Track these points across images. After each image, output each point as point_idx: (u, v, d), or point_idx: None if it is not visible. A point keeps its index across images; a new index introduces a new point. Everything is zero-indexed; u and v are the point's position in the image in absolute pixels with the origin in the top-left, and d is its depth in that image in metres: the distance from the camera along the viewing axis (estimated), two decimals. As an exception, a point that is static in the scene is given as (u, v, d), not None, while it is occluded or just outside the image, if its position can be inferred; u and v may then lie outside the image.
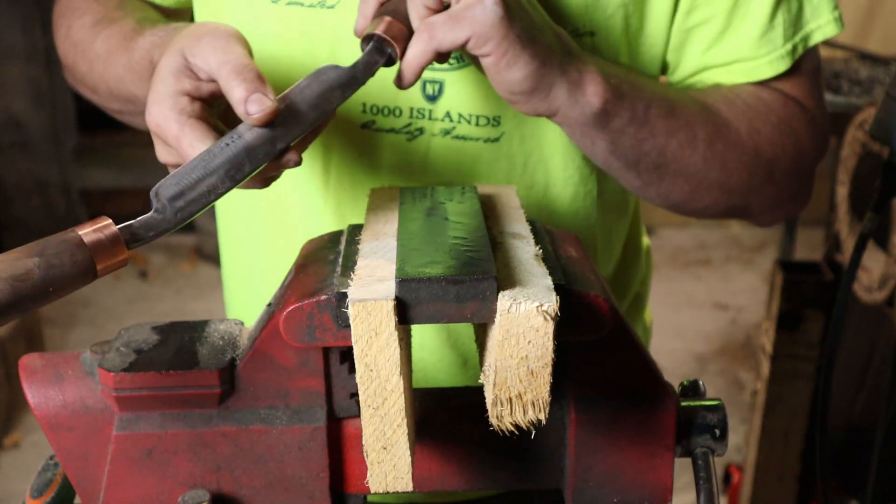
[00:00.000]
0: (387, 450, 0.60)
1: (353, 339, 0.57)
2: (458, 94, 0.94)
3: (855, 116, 1.93)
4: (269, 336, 0.65)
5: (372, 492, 0.62)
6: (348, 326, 0.57)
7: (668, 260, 4.28)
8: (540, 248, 0.66)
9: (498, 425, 0.60)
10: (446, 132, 0.95)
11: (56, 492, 0.72)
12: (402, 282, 0.58)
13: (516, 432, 0.60)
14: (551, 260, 0.67)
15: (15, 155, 4.13)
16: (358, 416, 0.64)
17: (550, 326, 0.57)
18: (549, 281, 0.60)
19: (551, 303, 0.57)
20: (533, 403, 0.59)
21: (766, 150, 0.98)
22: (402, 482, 0.61)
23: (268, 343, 0.66)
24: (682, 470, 0.73)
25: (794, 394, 2.08)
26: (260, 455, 0.67)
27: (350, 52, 0.88)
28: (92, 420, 0.68)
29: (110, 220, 0.65)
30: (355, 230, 0.72)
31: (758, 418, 2.14)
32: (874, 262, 1.80)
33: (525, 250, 0.65)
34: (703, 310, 3.81)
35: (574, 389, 0.68)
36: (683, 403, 0.71)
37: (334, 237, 0.73)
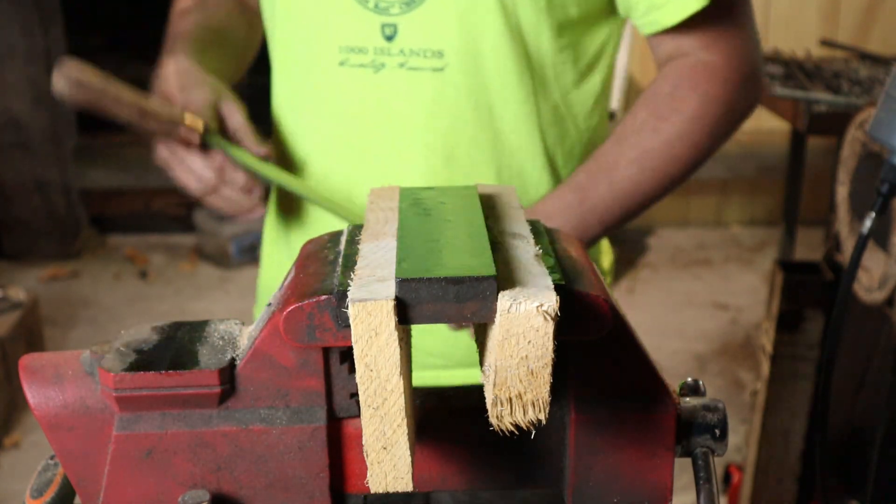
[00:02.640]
0: (387, 450, 0.60)
1: (353, 339, 0.57)
2: (410, 33, 1.16)
3: (855, 116, 1.93)
4: (269, 336, 0.65)
5: (372, 492, 0.62)
6: (348, 326, 0.57)
7: (668, 260, 4.28)
8: (540, 248, 0.66)
9: (498, 425, 0.60)
10: (402, 65, 1.18)
11: (56, 492, 0.72)
12: (402, 282, 0.58)
13: (516, 432, 0.60)
14: (551, 260, 0.67)
15: (15, 155, 4.13)
16: (358, 416, 0.64)
17: (550, 326, 0.57)
18: (549, 281, 0.60)
19: (551, 303, 0.57)
20: (533, 403, 0.59)
21: (700, 144, 1.19)
22: (402, 482, 0.61)
23: (268, 343, 0.66)
24: (682, 470, 0.73)
25: (794, 394, 2.08)
26: (260, 455, 0.67)
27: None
28: (92, 420, 0.68)
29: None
30: (355, 230, 0.72)
31: (758, 418, 2.14)
32: (874, 262, 1.80)
33: (525, 250, 0.65)
34: (703, 310, 3.81)
35: (574, 389, 0.68)
36: (683, 403, 0.71)
37: (334, 237, 0.74)
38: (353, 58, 1.19)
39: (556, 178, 1.26)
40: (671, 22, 1.16)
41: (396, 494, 0.63)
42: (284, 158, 1.30)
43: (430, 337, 1.19)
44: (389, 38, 1.17)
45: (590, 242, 1.20)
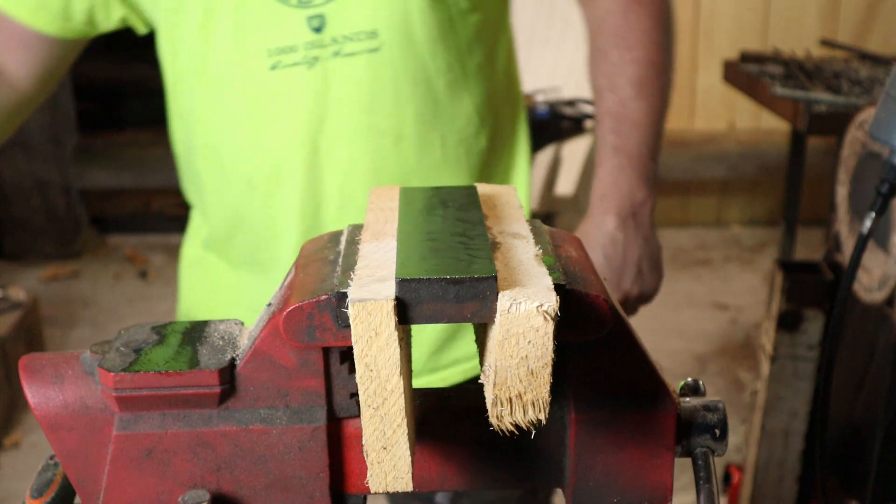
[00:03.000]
0: (387, 450, 0.60)
1: (353, 339, 0.57)
2: (339, 20, 1.15)
3: (855, 116, 1.93)
4: (269, 336, 0.65)
5: (372, 492, 0.62)
6: (348, 326, 0.57)
7: (668, 260, 4.27)
8: (540, 248, 0.66)
9: (498, 425, 0.60)
10: (336, 53, 1.16)
11: (56, 492, 0.72)
12: (402, 282, 0.58)
13: (516, 432, 0.60)
14: (551, 260, 0.67)
15: (15, 155, 4.13)
16: (358, 416, 0.64)
17: (550, 326, 0.57)
18: (549, 281, 0.60)
19: (551, 303, 0.57)
20: (533, 403, 0.59)
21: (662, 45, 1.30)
22: (402, 482, 0.61)
23: (268, 343, 0.66)
24: (682, 470, 0.73)
25: (794, 394, 2.08)
26: (260, 455, 0.67)
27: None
28: (92, 420, 0.68)
29: None
30: (355, 230, 0.72)
31: (758, 418, 2.14)
32: (874, 262, 1.80)
33: (525, 250, 0.65)
34: (703, 310, 3.81)
35: (574, 389, 0.68)
36: (683, 403, 0.71)
37: (334, 237, 0.74)
38: (284, 59, 1.17)
39: (489, 136, 1.29)
40: None
41: (395, 494, 0.63)
42: (225, 183, 1.26)
43: None
44: (318, 30, 1.16)
45: (655, 176, 1.29)
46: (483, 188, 0.79)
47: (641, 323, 1.36)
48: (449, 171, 1.25)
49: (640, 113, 1.25)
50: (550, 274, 0.61)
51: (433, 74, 1.21)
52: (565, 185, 4.10)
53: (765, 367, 2.10)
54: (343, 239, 0.72)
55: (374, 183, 1.20)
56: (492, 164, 1.32)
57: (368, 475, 0.61)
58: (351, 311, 0.57)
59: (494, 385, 0.58)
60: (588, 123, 3.81)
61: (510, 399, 0.58)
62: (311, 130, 1.19)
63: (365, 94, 1.18)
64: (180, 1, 1.18)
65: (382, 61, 1.17)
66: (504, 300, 0.57)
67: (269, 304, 0.68)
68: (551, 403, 0.59)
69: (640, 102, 1.25)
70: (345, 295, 0.59)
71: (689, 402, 0.72)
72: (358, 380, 0.58)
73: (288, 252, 1.24)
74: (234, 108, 1.21)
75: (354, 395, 0.67)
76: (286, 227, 1.23)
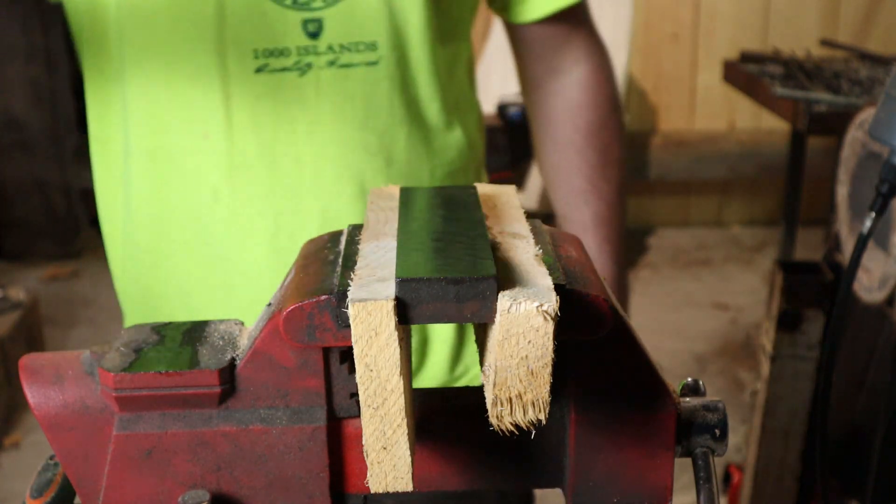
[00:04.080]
0: (387, 450, 0.60)
1: (353, 339, 0.57)
2: (337, 27, 1.07)
3: (855, 116, 1.93)
4: (269, 336, 0.65)
5: (372, 492, 0.62)
6: (348, 326, 0.57)
7: (668, 260, 4.28)
8: (540, 248, 0.66)
9: (498, 425, 0.60)
10: (331, 63, 1.08)
11: (56, 492, 0.72)
12: (402, 282, 0.58)
13: (516, 432, 0.60)
14: (551, 260, 0.67)
15: (15, 155, 4.13)
16: (358, 416, 0.64)
17: (550, 326, 0.57)
18: (549, 281, 0.60)
19: (551, 303, 0.57)
20: (533, 403, 0.59)
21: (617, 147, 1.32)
22: (402, 482, 0.61)
23: (268, 343, 0.66)
24: (682, 470, 0.73)
25: (794, 394, 2.08)
26: (260, 455, 0.67)
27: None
28: (92, 420, 0.68)
29: None
30: (355, 230, 0.72)
31: (758, 418, 2.14)
32: (874, 262, 1.80)
33: (525, 250, 0.65)
34: (703, 310, 3.81)
35: (574, 389, 0.68)
36: (683, 403, 0.71)
37: (334, 237, 0.74)
38: (273, 62, 1.07)
39: (476, 171, 1.25)
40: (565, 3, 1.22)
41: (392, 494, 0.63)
42: (175, 196, 1.13)
43: None
44: (314, 35, 1.07)
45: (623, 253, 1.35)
46: (483, 188, 0.79)
47: (641, 323, 1.36)
48: None
49: (623, 213, 1.32)
50: (550, 274, 0.61)
51: (426, 99, 1.15)
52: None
53: (765, 367, 2.10)
54: (343, 239, 0.72)
55: (360, 208, 1.13)
56: None
57: (368, 475, 0.61)
58: (351, 311, 0.57)
59: (494, 385, 0.58)
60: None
61: (510, 399, 0.58)
62: (295, 144, 1.10)
63: (359, 110, 1.10)
64: None
65: (379, 77, 1.10)
66: (504, 300, 0.57)
67: (269, 304, 0.68)
68: (551, 403, 0.59)
69: (621, 202, 1.31)
70: (345, 295, 0.59)
71: (689, 402, 0.72)
72: (358, 380, 0.58)
73: (253, 275, 1.12)
74: (201, 111, 1.10)
75: (354, 395, 0.67)
76: (255, 244, 1.13)
